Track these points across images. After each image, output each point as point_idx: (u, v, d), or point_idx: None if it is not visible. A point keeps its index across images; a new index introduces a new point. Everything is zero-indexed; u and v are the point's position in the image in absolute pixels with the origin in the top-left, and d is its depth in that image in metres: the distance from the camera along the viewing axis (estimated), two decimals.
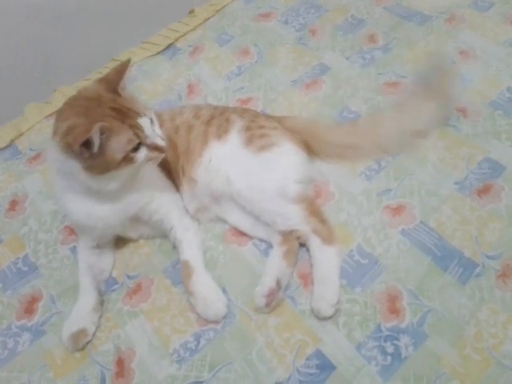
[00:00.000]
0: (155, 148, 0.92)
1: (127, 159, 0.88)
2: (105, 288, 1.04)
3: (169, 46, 1.59)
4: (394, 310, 0.92)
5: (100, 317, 1.00)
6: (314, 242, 0.99)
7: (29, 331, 1.01)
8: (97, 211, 0.97)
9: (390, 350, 0.88)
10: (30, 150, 1.38)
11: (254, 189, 1.03)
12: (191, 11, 1.71)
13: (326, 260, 0.97)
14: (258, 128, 1.10)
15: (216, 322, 0.96)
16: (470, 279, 0.94)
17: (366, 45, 1.43)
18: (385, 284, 0.96)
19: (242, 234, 1.07)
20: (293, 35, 1.52)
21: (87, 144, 0.83)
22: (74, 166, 0.87)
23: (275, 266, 0.98)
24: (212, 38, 1.58)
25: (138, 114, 0.90)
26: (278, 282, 0.95)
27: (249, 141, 1.07)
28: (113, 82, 0.91)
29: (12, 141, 1.42)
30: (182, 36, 1.62)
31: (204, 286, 0.98)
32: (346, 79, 1.35)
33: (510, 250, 0.96)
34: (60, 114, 0.91)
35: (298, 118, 1.22)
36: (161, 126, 1.11)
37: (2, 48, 1.68)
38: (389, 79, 1.32)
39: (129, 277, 1.06)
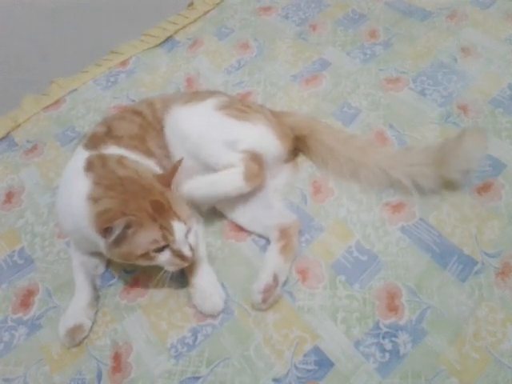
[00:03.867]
0: (179, 256, 0.89)
1: (147, 256, 0.87)
2: (100, 283, 1.03)
3: (168, 39, 1.57)
4: (393, 307, 0.92)
5: (96, 312, 0.99)
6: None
7: (25, 325, 1.00)
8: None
9: (389, 347, 0.88)
10: (27, 141, 1.37)
11: (203, 137, 1.02)
12: (190, 4, 1.69)
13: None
14: (241, 106, 1.09)
15: (212, 316, 0.95)
16: (470, 277, 0.94)
17: (367, 40, 1.42)
18: (384, 281, 0.95)
19: (241, 229, 1.07)
20: (293, 30, 1.51)
21: (109, 231, 0.83)
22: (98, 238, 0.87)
23: (272, 261, 0.97)
24: (211, 32, 1.57)
25: (177, 217, 0.88)
26: (275, 278, 0.94)
27: (223, 107, 1.05)
28: (168, 176, 0.91)
29: (8, 132, 1.40)
30: (181, 29, 1.60)
31: (204, 279, 0.97)
32: (347, 75, 1.34)
33: (509, 248, 0.96)
34: (110, 188, 0.89)
35: (299, 114, 1.20)
36: (154, 114, 1.10)
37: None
38: (389, 75, 1.31)
39: (126, 271, 1.05)
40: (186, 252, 0.90)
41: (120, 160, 0.95)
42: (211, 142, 1.02)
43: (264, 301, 0.93)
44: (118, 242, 0.85)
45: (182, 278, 0.99)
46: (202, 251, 1.00)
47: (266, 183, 1.08)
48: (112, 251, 0.88)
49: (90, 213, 0.87)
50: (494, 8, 1.43)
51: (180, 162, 0.93)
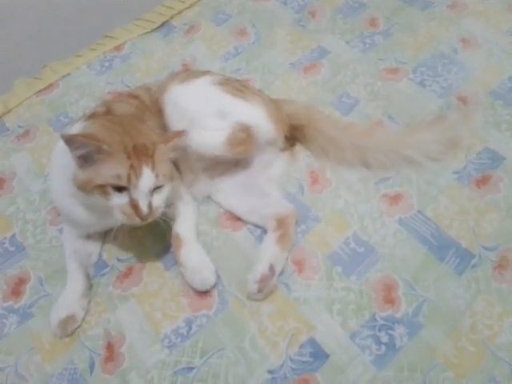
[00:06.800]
0: (135, 207, 0.84)
1: (103, 190, 0.83)
2: (94, 272, 1.02)
3: (164, 24, 1.54)
4: (390, 300, 0.91)
5: (89, 302, 0.97)
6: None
7: (16, 313, 0.99)
8: (95, 217, 0.94)
9: (385, 339, 0.87)
10: (19, 126, 1.34)
11: (199, 109, 1.02)
12: None
13: None
14: (239, 85, 1.09)
15: (204, 290, 0.94)
16: (467, 270, 0.93)
17: (367, 29, 1.40)
18: (380, 273, 0.95)
19: (237, 218, 1.05)
20: (292, 16, 1.48)
21: (72, 143, 0.81)
22: (71, 163, 0.85)
23: (268, 251, 0.96)
24: (208, 17, 1.54)
25: (152, 166, 0.85)
26: (271, 268, 0.93)
27: (220, 83, 1.06)
28: (170, 137, 0.91)
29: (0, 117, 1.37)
30: (177, 14, 1.57)
31: (192, 256, 0.96)
32: (346, 64, 1.32)
33: (507, 241, 0.95)
34: (106, 122, 0.90)
35: (297, 102, 1.18)
36: (151, 97, 1.09)
37: None
38: (389, 65, 1.29)
39: (119, 260, 1.03)
40: (143, 206, 0.84)
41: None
42: (205, 113, 1.02)
43: (260, 291, 0.92)
44: (84, 162, 0.83)
45: (177, 266, 0.98)
46: (189, 230, 0.99)
47: (258, 170, 1.08)
48: (77, 175, 0.85)
49: None
50: None
51: (184, 132, 0.93)
